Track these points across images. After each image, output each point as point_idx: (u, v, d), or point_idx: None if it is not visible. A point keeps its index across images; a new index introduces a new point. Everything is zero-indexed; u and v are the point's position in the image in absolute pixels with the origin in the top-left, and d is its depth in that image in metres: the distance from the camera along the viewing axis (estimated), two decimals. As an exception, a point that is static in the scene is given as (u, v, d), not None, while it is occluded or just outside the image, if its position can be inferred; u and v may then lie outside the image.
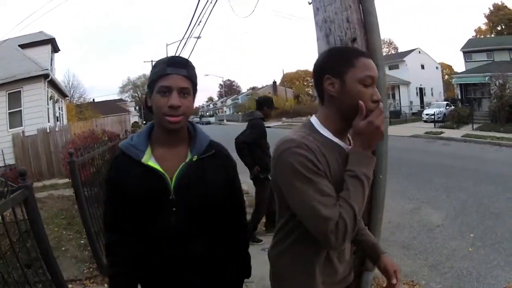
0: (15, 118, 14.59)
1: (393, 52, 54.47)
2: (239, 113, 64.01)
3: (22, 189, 2.36)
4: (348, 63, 1.35)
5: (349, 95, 1.34)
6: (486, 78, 24.87)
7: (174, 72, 1.43)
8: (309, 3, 3.09)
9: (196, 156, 1.53)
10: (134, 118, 50.65)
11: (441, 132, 19.59)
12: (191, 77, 1.48)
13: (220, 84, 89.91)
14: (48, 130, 14.34)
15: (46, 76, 15.30)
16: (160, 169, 1.48)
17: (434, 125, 23.33)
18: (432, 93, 37.97)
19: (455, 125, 21.91)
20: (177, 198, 1.49)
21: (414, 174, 9.78)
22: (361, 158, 1.34)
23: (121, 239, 1.58)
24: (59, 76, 18.70)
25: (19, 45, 17.33)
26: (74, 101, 42.25)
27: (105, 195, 1.71)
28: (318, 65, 1.45)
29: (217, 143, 1.66)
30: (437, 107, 27.50)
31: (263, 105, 5.30)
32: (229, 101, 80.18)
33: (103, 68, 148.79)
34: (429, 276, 4.23)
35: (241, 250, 1.79)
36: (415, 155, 13.35)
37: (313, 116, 1.49)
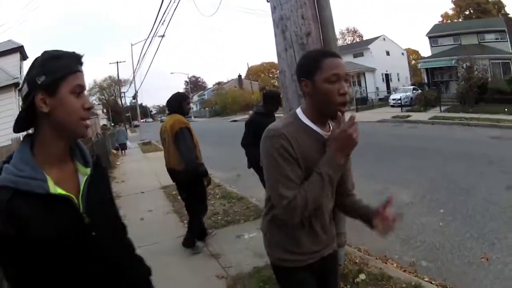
0: None
1: (358, 40, 54.78)
2: (206, 109, 63.94)
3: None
4: (316, 66, 1.55)
5: (319, 93, 1.55)
6: (453, 62, 25.38)
7: (81, 70, 1.23)
8: (267, 1, 3.28)
9: (91, 168, 1.32)
10: (102, 120, 48.69)
11: (408, 116, 19.90)
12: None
13: (186, 81, 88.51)
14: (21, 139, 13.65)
15: (17, 84, 14.61)
16: (68, 194, 1.20)
17: (401, 109, 23.70)
18: (398, 79, 38.47)
19: (422, 108, 22.26)
20: (91, 220, 1.25)
21: (381, 157, 9.85)
22: (331, 161, 1.51)
23: None
24: None
25: None
26: None
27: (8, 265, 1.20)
28: (297, 69, 1.66)
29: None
30: (403, 91, 27.91)
31: (267, 100, 5.02)
32: (195, 98, 79.20)
33: None
34: (401, 250, 4.29)
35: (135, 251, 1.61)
36: (382, 139, 13.44)
37: (299, 107, 1.69)
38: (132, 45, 37.00)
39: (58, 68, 1.16)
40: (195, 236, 4.58)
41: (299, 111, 1.66)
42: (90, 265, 1.24)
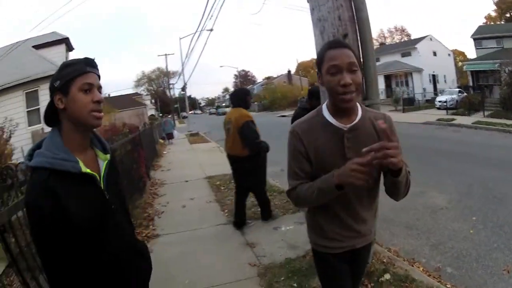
0: (33, 116, 14.73)
1: (406, 39, 52.81)
2: (255, 103, 63.18)
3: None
4: (321, 59, 1.59)
5: (325, 84, 1.58)
6: (496, 65, 24.09)
7: (92, 71, 1.41)
8: (307, 2, 3.31)
9: (109, 153, 1.56)
10: (150, 111, 50.35)
11: (453, 119, 19.20)
12: (100, 79, 1.48)
13: (235, 75, 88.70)
14: None
15: None
16: (94, 173, 1.42)
17: (447, 112, 22.82)
18: (445, 80, 36.90)
19: (466, 112, 21.36)
20: (110, 196, 1.49)
21: (423, 159, 9.66)
22: (328, 179, 1.55)
23: (74, 277, 1.37)
24: None
25: (32, 46, 17.38)
26: None
27: (38, 233, 1.34)
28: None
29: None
30: (449, 94, 26.82)
31: (312, 96, 5.09)
32: None
33: (117, 63, 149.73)
34: (430, 255, 4.28)
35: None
36: (425, 141, 13.20)
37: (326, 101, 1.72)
38: (180, 38, 37.71)
39: (68, 72, 1.37)
40: (268, 208, 5.24)
41: (324, 105, 1.71)
42: (111, 237, 1.47)
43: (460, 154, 10.17)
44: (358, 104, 1.68)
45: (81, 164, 1.37)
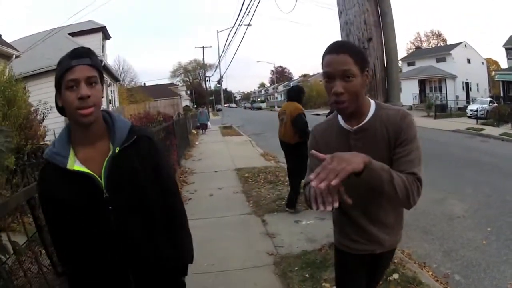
0: None
1: (441, 44, 50.99)
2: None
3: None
4: (322, 63, 1.51)
5: (325, 89, 1.52)
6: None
7: (78, 63, 1.31)
8: (337, 5, 3.32)
9: (118, 148, 1.39)
10: (185, 102, 50.07)
11: (482, 129, 18.61)
12: (96, 65, 1.36)
13: (272, 71, 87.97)
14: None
15: None
16: (87, 171, 1.34)
17: (477, 121, 22.15)
18: (478, 89, 35.64)
19: (495, 123, 20.64)
20: (110, 195, 1.37)
21: (448, 167, 9.55)
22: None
23: (81, 265, 1.43)
24: (110, 62, 18.84)
25: (68, 34, 17.63)
26: (125, 85, 41.87)
27: (45, 217, 1.47)
28: None
29: (139, 127, 1.58)
30: (480, 103, 26.00)
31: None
32: (280, 88, 77.97)
33: (154, 53, 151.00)
34: (441, 261, 4.30)
35: (177, 234, 1.65)
36: (453, 149, 12.94)
37: None
38: (218, 32, 37.88)
39: (58, 71, 1.33)
40: (295, 198, 5.52)
41: None
42: (107, 235, 1.39)
43: (484, 165, 9.94)
44: (372, 103, 1.60)
45: (71, 160, 1.34)
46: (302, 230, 4.79)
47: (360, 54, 1.53)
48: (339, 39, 3.24)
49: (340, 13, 3.22)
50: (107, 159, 1.37)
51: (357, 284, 1.83)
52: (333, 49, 1.48)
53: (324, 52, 1.49)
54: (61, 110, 1.39)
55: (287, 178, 6.71)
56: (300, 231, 4.76)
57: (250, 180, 7.95)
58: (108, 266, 1.42)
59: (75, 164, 1.34)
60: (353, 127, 1.58)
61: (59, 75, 1.32)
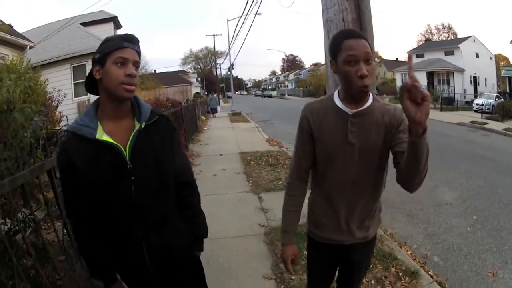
0: (79, 88, 14.99)
1: (452, 37, 49.96)
2: (301, 88, 61.72)
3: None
4: (338, 48, 1.50)
5: (341, 73, 1.51)
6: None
7: (130, 46, 1.41)
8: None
9: (144, 124, 1.49)
10: (196, 89, 49.33)
11: (485, 123, 18.44)
12: (140, 54, 1.47)
13: (283, 59, 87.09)
14: None
15: None
16: (114, 142, 1.42)
17: (481, 115, 21.93)
18: (485, 84, 34.90)
19: (500, 118, 20.38)
20: (133, 166, 1.45)
21: (444, 157, 9.64)
22: (282, 236, 1.87)
23: (84, 222, 1.51)
24: None
25: (80, 23, 17.64)
26: None
27: (60, 181, 1.55)
28: (328, 50, 1.61)
29: (157, 110, 1.65)
30: (486, 98, 25.63)
31: None
32: (291, 76, 77.56)
33: (166, 41, 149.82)
34: (422, 242, 4.47)
35: (193, 210, 1.76)
36: (453, 141, 12.96)
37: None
38: (228, 20, 37.71)
39: (107, 46, 1.40)
40: None
41: (336, 91, 1.65)
42: (126, 205, 1.46)
43: (481, 157, 10.00)
44: (370, 94, 1.60)
45: (99, 132, 1.41)
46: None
47: (369, 42, 1.55)
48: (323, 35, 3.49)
49: (322, 11, 3.43)
50: (134, 132, 1.46)
51: (325, 273, 1.87)
52: (353, 34, 1.51)
53: (342, 38, 1.50)
54: (90, 84, 1.49)
55: (287, 162, 6.90)
56: None
57: (252, 162, 8.26)
58: (124, 237, 1.50)
59: (103, 135, 1.41)
60: (353, 110, 1.57)
61: (107, 50, 1.39)
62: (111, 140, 1.41)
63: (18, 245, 1.96)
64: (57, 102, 10.31)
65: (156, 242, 1.53)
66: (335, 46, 1.52)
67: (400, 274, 3.30)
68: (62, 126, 2.73)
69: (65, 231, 2.38)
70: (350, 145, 1.57)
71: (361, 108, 1.56)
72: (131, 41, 1.42)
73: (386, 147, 1.57)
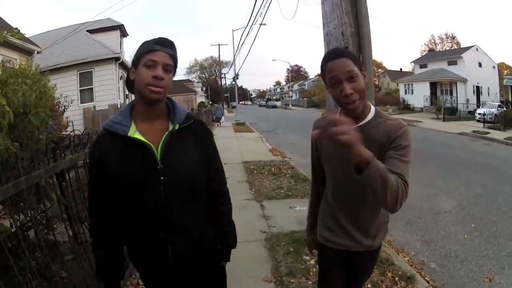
0: (85, 95, 15.33)
1: (455, 47, 49.57)
2: (305, 98, 61.38)
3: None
4: (323, 72, 1.55)
5: (330, 93, 1.55)
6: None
7: (160, 49, 1.44)
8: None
9: (177, 126, 1.51)
10: (200, 98, 49.27)
11: (487, 133, 18.45)
12: (174, 57, 1.49)
13: (288, 69, 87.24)
14: (119, 106, 14.61)
15: (117, 59, 16.06)
16: (145, 141, 1.44)
17: (484, 125, 21.86)
18: (488, 93, 34.76)
19: (502, 127, 20.31)
20: (164, 166, 1.46)
21: (445, 167, 9.73)
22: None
23: (104, 224, 1.53)
24: (126, 58, 19.26)
25: (87, 31, 17.80)
26: None
27: (89, 176, 1.61)
28: None
29: (193, 115, 1.66)
30: (489, 107, 25.52)
31: None
32: (296, 86, 77.22)
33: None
34: (420, 249, 4.53)
35: (224, 219, 1.76)
36: (454, 150, 13.04)
37: None
38: (233, 30, 38.01)
39: (140, 50, 1.45)
40: None
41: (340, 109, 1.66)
42: (154, 206, 1.47)
43: (482, 166, 10.04)
44: (372, 109, 1.62)
45: (132, 130, 1.45)
46: (295, 215, 5.19)
47: (355, 56, 1.59)
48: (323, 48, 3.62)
49: (323, 25, 3.55)
50: (167, 133, 1.47)
51: (334, 278, 1.84)
52: (332, 55, 1.52)
53: (323, 62, 1.54)
54: (129, 85, 1.54)
55: (289, 171, 6.99)
56: (293, 215, 5.17)
57: (255, 171, 8.40)
58: (148, 238, 1.50)
59: (135, 133, 1.45)
60: None
61: (141, 53, 1.44)
62: (142, 138, 1.44)
63: (30, 240, 2.08)
64: (63, 108, 10.48)
65: (181, 245, 1.52)
66: (321, 70, 1.57)
67: (396, 278, 3.38)
68: (70, 132, 2.83)
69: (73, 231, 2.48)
70: (345, 160, 1.49)
71: (359, 124, 1.56)
72: (162, 44, 1.45)
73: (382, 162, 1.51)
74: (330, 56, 1.52)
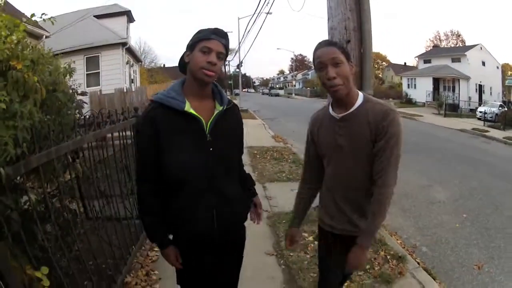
0: (91, 79, 15.36)
1: (460, 45, 49.28)
2: (308, 88, 60.84)
3: (134, 117, 3.34)
4: (313, 60, 1.68)
5: (319, 80, 1.69)
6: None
7: (216, 39, 1.57)
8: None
9: (225, 106, 1.68)
10: None
11: (486, 131, 18.50)
12: (227, 47, 1.63)
13: (292, 58, 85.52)
14: (125, 90, 14.85)
15: (124, 44, 16.10)
16: (199, 116, 1.59)
17: (484, 123, 21.96)
18: (491, 92, 34.62)
19: (502, 127, 20.32)
20: (212, 139, 1.60)
21: (442, 160, 9.94)
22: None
23: (152, 188, 1.66)
24: (132, 43, 19.21)
25: (94, 16, 17.69)
26: (146, 66, 40.47)
27: (138, 146, 1.76)
28: None
29: (229, 99, 1.79)
30: (490, 106, 25.50)
31: None
32: (299, 76, 76.23)
33: (175, 35, 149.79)
34: (412, 234, 4.74)
35: (250, 180, 2.05)
36: (452, 145, 13.18)
37: None
38: (239, 18, 37.64)
39: (197, 37, 1.59)
40: None
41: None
42: (202, 174, 1.61)
43: (479, 162, 10.22)
44: (360, 95, 1.70)
45: (187, 105, 1.59)
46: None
47: (343, 47, 1.71)
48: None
49: (328, 19, 3.71)
50: (217, 112, 1.65)
51: (332, 262, 1.92)
52: (322, 44, 1.67)
53: (314, 50, 1.68)
54: (182, 66, 1.69)
55: (291, 157, 7.13)
56: (293, 197, 5.27)
57: (258, 156, 8.67)
58: (195, 205, 1.63)
59: (190, 109, 1.59)
60: (339, 115, 1.70)
61: (197, 40, 1.58)
62: (196, 114, 1.59)
63: (55, 207, 2.27)
64: (72, 91, 10.61)
65: (225, 209, 1.66)
66: (313, 59, 1.69)
67: (388, 257, 3.57)
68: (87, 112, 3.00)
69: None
70: (339, 147, 1.71)
71: (348, 112, 1.68)
72: (218, 34, 1.59)
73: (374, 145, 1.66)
74: (320, 45, 1.67)
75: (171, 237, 1.75)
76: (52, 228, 2.15)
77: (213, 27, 1.62)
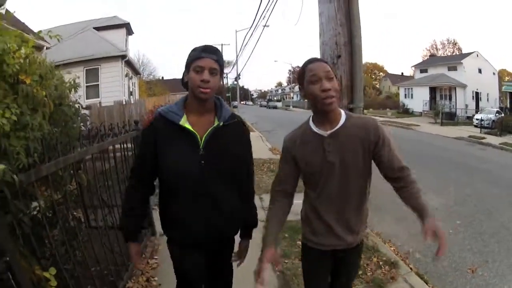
0: (91, 91, 15.51)
1: (457, 53, 49.42)
2: (305, 100, 61.15)
3: (135, 130, 3.50)
4: (302, 74, 1.72)
5: (308, 94, 1.69)
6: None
7: (206, 56, 1.65)
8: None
9: (222, 122, 1.74)
10: None
11: (483, 138, 18.67)
12: (219, 61, 1.69)
13: (289, 70, 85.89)
14: (124, 103, 14.76)
15: (123, 56, 16.29)
16: (193, 130, 1.69)
17: (481, 130, 22.03)
18: (488, 99, 34.75)
19: (498, 133, 20.46)
20: (205, 153, 1.69)
21: (437, 168, 10.04)
22: (264, 243, 1.87)
23: (138, 184, 1.83)
24: (131, 55, 19.25)
25: (94, 28, 17.98)
26: (144, 78, 40.69)
27: (138, 149, 1.95)
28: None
29: (237, 115, 1.88)
30: (487, 113, 25.64)
31: None
32: (297, 88, 76.69)
33: (173, 47, 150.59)
34: (406, 241, 4.81)
35: (249, 204, 2.07)
36: (448, 153, 13.31)
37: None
38: (236, 31, 37.96)
39: (190, 57, 1.69)
40: None
41: (310, 117, 1.81)
42: (195, 184, 1.71)
43: (473, 169, 10.31)
44: (342, 113, 1.73)
45: (184, 120, 1.70)
46: (292, 207, 5.40)
47: (331, 65, 1.78)
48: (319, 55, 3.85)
49: (319, 35, 3.79)
50: (213, 126, 1.72)
51: (321, 277, 1.94)
52: (314, 60, 1.73)
53: (304, 65, 1.72)
54: (184, 84, 1.78)
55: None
56: None
57: (255, 168, 8.56)
58: (189, 211, 1.75)
59: (186, 123, 1.69)
60: (328, 132, 1.71)
61: (190, 60, 1.68)
62: (190, 128, 1.69)
63: (62, 213, 2.41)
64: (78, 106, 10.68)
65: (217, 218, 1.78)
66: (300, 73, 1.73)
67: (381, 263, 3.67)
68: (90, 123, 3.16)
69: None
70: (330, 163, 1.70)
71: (335, 129, 1.70)
72: (207, 51, 1.68)
73: (366, 160, 1.72)
74: (311, 60, 1.72)
75: (165, 237, 1.89)
76: (60, 233, 2.29)
77: (202, 45, 1.72)
